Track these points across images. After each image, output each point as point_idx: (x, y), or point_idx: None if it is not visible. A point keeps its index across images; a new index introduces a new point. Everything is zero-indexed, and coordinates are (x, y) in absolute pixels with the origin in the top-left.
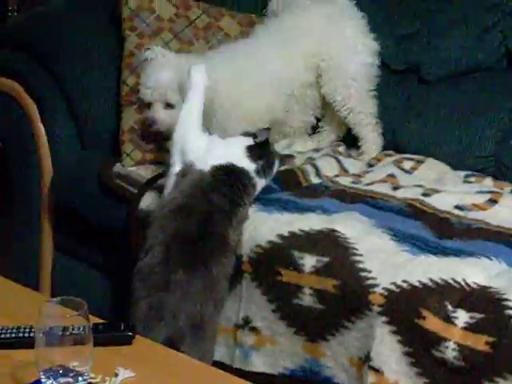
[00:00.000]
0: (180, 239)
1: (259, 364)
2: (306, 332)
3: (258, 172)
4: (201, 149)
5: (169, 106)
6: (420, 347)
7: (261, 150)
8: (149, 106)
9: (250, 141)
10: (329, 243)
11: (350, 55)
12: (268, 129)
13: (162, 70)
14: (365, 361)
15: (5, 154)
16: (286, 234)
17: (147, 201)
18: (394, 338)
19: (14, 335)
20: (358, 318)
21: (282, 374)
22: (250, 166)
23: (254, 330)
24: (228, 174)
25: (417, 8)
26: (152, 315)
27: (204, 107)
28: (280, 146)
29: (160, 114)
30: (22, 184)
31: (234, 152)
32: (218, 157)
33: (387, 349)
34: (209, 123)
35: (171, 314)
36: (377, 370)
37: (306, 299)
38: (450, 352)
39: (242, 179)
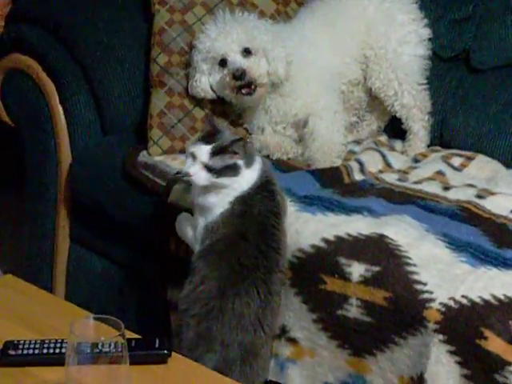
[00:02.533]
0: (237, 269)
1: (296, 377)
2: (350, 345)
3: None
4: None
5: (247, 53)
6: (481, 370)
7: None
8: (223, 63)
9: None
10: (379, 250)
11: (403, 46)
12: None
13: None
14: (417, 381)
15: (18, 137)
16: (331, 238)
17: (176, 194)
18: (452, 359)
19: (39, 351)
20: (410, 334)
21: None
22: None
23: (291, 340)
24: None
25: None
26: (200, 344)
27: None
28: None
29: (244, 61)
30: (36, 170)
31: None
32: (229, 189)
33: (444, 370)
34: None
35: (222, 344)
36: None
37: (353, 311)
38: None
39: (267, 187)
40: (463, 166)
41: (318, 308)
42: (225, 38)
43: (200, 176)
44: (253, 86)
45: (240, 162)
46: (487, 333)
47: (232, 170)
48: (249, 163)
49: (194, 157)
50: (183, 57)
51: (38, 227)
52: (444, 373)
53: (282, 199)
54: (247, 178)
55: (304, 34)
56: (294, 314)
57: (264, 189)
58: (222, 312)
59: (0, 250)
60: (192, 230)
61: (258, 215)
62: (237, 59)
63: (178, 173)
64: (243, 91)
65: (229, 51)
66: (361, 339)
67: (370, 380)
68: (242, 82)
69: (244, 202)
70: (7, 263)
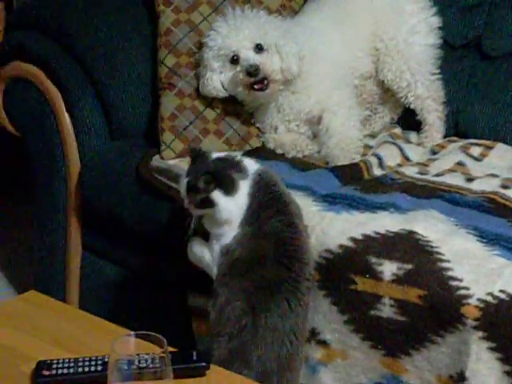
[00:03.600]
0: (263, 286)
1: (328, 380)
2: (384, 346)
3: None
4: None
5: (259, 49)
6: None
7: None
8: (234, 61)
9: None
10: (410, 248)
11: (413, 36)
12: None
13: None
14: (458, 380)
15: (24, 146)
16: (359, 236)
17: None
18: (493, 356)
19: (74, 370)
20: (448, 332)
21: None
22: None
23: (322, 343)
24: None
25: None
26: (235, 361)
27: None
28: None
29: (257, 57)
30: (45, 180)
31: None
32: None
33: (485, 367)
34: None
35: (259, 360)
36: None
37: (386, 310)
38: None
39: (277, 201)
40: (483, 155)
41: (348, 309)
42: (236, 34)
43: (190, 208)
44: (265, 82)
45: (213, 194)
46: None
47: (207, 203)
48: (229, 189)
49: None
50: (191, 57)
51: (48, 237)
52: (485, 370)
53: (296, 207)
54: (233, 202)
55: (313, 28)
56: (324, 317)
57: (273, 204)
58: (255, 328)
59: (10, 263)
60: (209, 252)
61: (271, 232)
62: (250, 55)
63: None
64: (256, 87)
65: (241, 48)
66: (395, 339)
67: (405, 380)
68: (256, 78)
69: (252, 223)
70: (18, 276)
